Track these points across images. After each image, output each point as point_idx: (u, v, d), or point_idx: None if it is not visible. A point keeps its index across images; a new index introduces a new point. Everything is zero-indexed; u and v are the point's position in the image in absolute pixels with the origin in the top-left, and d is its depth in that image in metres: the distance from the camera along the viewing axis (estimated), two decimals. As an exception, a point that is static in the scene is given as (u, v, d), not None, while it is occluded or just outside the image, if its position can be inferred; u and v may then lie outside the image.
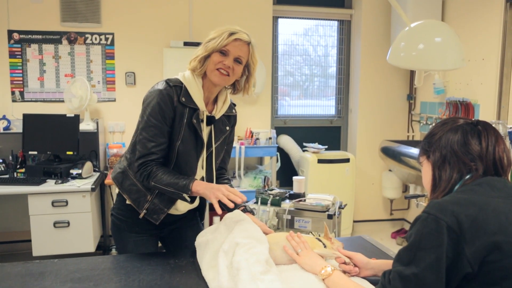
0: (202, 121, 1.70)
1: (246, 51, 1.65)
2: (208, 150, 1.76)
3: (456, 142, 1.15)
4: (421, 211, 1.08)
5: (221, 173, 1.89)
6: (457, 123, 1.19)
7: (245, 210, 1.70)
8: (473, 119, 1.20)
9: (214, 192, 1.56)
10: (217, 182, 1.83)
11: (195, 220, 1.94)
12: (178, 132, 1.65)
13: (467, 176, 1.13)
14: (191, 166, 1.71)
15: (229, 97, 1.82)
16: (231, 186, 1.86)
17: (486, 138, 1.14)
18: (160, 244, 1.93)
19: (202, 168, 1.77)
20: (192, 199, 1.77)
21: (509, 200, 1.08)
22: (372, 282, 1.38)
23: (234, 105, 1.87)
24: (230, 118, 1.84)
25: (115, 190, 1.80)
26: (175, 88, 1.63)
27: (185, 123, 1.65)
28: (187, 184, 1.59)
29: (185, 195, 1.62)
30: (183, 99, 1.63)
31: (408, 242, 1.07)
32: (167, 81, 1.64)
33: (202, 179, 1.78)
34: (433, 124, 1.28)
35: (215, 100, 1.77)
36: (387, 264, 1.43)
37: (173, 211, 1.76)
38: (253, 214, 1.74)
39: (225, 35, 1.60)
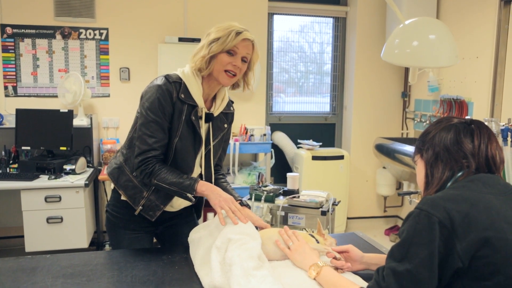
0: (201, 118, 1.68)
1: (251, 50, 1.64)
2: (206, 147, 1.75)
3: (449, 140, 1.16)
4: (414, 207, 1.09)
5: (216, 170, 1.88)
6: (451, 122, 1.20)
7: (241, 204, 1.68)
8: (467, 118, 1.21)
9: (220, 201, 1.56)
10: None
11: (191, 217, 1.93)
12: (176, 129, 1.63)
13: (459, 174, 1.14)
14: (188, 163, 1.70)
15: (228, 94, 1.81)
16: (226, 182, 1.86)
17: (479, 136, 1.15)
18: (155, 241, 1.92)
19: (200, 166, 1.75)
20: (196, 199, 1.75)
21: (501, 197, 1.09)
22: (363, 276, 1.39)
23: (232, 102, 1.86)
24: (227, 115, 1.83)
25: (109, 186, 1.78)
26: (175, 84, 1.61)
27: (184, 120, 1.63)
28: (192, 184, 1.58)
29: (189, 195, 1.61)
30: (182, 96, 1.61)
31: (400, 238, 1.08)
32: (167, 77, 1.62)
33: (200, 176, 1.77)
34: (427, 122, 1.29)
35: (214, 97, 1.76)
36: (379, 258, 1.44)
37: (168, 208, 1.75)
38: (249, 208, 1.74)
39: (233, 35, 1.57)
